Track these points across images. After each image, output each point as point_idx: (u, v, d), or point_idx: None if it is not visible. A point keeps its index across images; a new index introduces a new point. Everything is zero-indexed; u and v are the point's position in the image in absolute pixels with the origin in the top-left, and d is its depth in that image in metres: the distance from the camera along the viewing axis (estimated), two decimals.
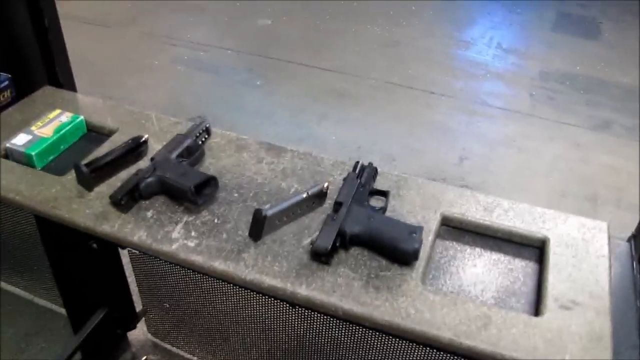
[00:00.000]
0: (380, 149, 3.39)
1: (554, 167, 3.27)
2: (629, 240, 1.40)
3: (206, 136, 1.46)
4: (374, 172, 1.33)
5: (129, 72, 4.14)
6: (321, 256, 1.12)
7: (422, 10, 5.17)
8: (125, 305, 1.98)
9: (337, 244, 1.13)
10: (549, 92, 4.00)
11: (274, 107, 3.78)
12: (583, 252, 1.17)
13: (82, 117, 1.52)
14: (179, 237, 1.19)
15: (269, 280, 1.10)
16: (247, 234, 1.19)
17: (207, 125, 1.46)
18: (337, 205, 1.20)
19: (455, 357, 1.38)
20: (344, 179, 1.29)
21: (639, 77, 4.11)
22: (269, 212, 1.16)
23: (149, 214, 1.25)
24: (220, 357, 1.97)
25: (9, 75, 1.62)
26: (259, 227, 1.16)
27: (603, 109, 3.82)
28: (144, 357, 2.09)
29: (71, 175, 1.33)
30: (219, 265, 1.13)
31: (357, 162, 1.34)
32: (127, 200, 1.24)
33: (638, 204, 2.87)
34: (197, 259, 1.14)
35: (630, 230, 1.44)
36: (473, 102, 3.88)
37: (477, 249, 1.23)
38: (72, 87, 1.76)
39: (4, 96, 1.60)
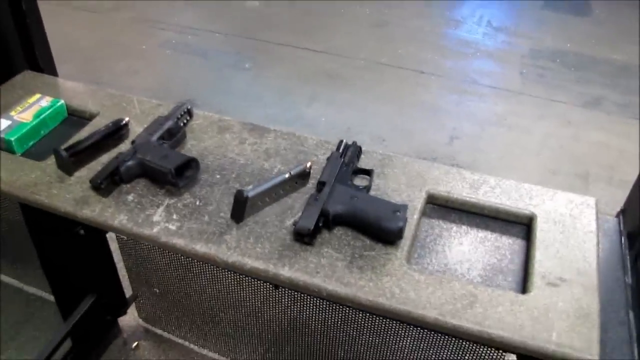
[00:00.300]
0: (370, 129, 3.37)
1: (544, 145, 3.26)
2: (617, 215, 1.38)
3: (188, 118, 1.43)
4: (357, 150, 1.31)
5: (118, 57, 4.10)
6: (304, 237, 1.10)
7: None
8: (114, 291, 1.97)
9: (320, 224, 1.11)
10: (539, 69, 3.99)
11: (263, 89, 3.76)
12: (570, 229, 1.16)
13: (62, 101, 1.49)
14: (160, 220, 1.17)
15: (251, 262, 1.08)
16: (229, 215, 1.17)
17: (189, 107, 1.44)
18: (320, 185, 1.18)
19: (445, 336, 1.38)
20: (328, 159, 1.27)
21: (630, 54, 4.09)
22: (251, 193, 1.14)
23: (130, 197, 1.23)
24: (212, 341, 1.97)
25: None
26: (240, 208, 1.14)
27: (594, 86, 3.81)
28: (135, 343, 2.08)
29: (51, 160, 1.31)
30: (201, 247, 1.11)
31: (341, 141, 1.31)
32: (107, 184, 1.22)
33: (630, 180, 2.86)
34: (179, 241, 1.13)
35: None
36: (463, 81, 3.86)
37: (464, 227, 1.22)
38: (52, 72, 1.72)
39: None
